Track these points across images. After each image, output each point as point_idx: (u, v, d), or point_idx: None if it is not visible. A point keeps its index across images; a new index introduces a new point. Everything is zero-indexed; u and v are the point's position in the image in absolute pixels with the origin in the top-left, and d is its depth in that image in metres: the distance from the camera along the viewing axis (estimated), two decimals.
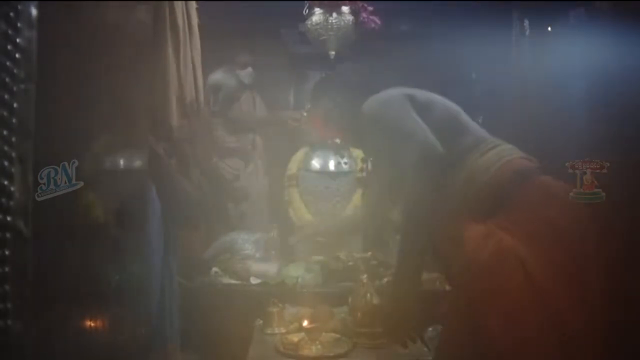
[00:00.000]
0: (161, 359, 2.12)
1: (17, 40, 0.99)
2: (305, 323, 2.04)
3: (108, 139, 2.17)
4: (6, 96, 0.98)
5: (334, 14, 2.87)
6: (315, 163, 3.11)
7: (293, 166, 3.15)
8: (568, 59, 2.75)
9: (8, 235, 0.98)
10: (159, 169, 2.09)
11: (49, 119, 1.14)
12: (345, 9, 2.89)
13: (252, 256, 2.85)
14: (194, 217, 2.44)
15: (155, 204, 2.12)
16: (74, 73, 1.57)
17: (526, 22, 3.09)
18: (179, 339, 2.24)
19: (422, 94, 1.75)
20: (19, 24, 1.00)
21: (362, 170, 2.99)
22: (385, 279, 2.74)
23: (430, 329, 2.39)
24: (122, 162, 2.24)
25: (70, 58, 1.54)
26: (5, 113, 0.98)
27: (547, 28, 3.04)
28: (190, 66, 2.09)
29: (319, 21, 2.88)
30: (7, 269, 0.97)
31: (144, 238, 2.11)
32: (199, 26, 2.30)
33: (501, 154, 1.61)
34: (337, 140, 3.10)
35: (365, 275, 2.20)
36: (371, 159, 2.36)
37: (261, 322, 2.32)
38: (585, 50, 2.60)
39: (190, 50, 2.11)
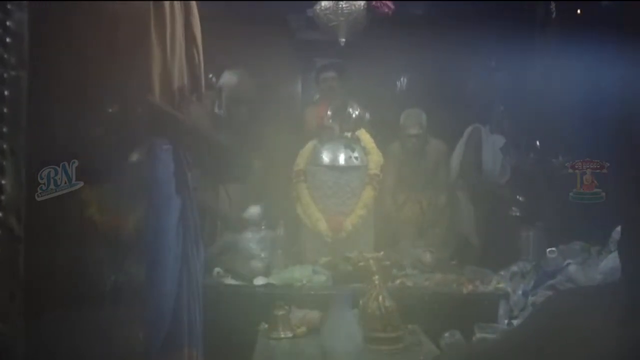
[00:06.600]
0: None
1: (7, 23, 0.94)
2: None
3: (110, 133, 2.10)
4: None
5: None
6: (325, 157, 2.98)
7: (301, 161, 3.03)
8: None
9: None
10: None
11: (46, 114, 1.10)
12: None
13: (256, 256, 2.74)
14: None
15: (173, 201, 2.02)
16: (68, 59, 1.48)
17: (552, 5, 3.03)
18: (200, 343, 2.10)
19: None
20: (8, 6, 0.95)
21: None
22: (398, 281, 2.64)
23: (447, 334, 2.30)
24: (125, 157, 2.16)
25: (65, 42, 1.44)
26: None
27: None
28: (179, 51, 1.92)
29: (328, 6, 2.77)
30: None
31: (150, 236, 2.01)
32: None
33: None
34: (348, 134, 2.99)
35: (377, 277, 2.09)
36: None
37: (266, 326, 2.25)
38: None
39: (186, 32, 1.95)
